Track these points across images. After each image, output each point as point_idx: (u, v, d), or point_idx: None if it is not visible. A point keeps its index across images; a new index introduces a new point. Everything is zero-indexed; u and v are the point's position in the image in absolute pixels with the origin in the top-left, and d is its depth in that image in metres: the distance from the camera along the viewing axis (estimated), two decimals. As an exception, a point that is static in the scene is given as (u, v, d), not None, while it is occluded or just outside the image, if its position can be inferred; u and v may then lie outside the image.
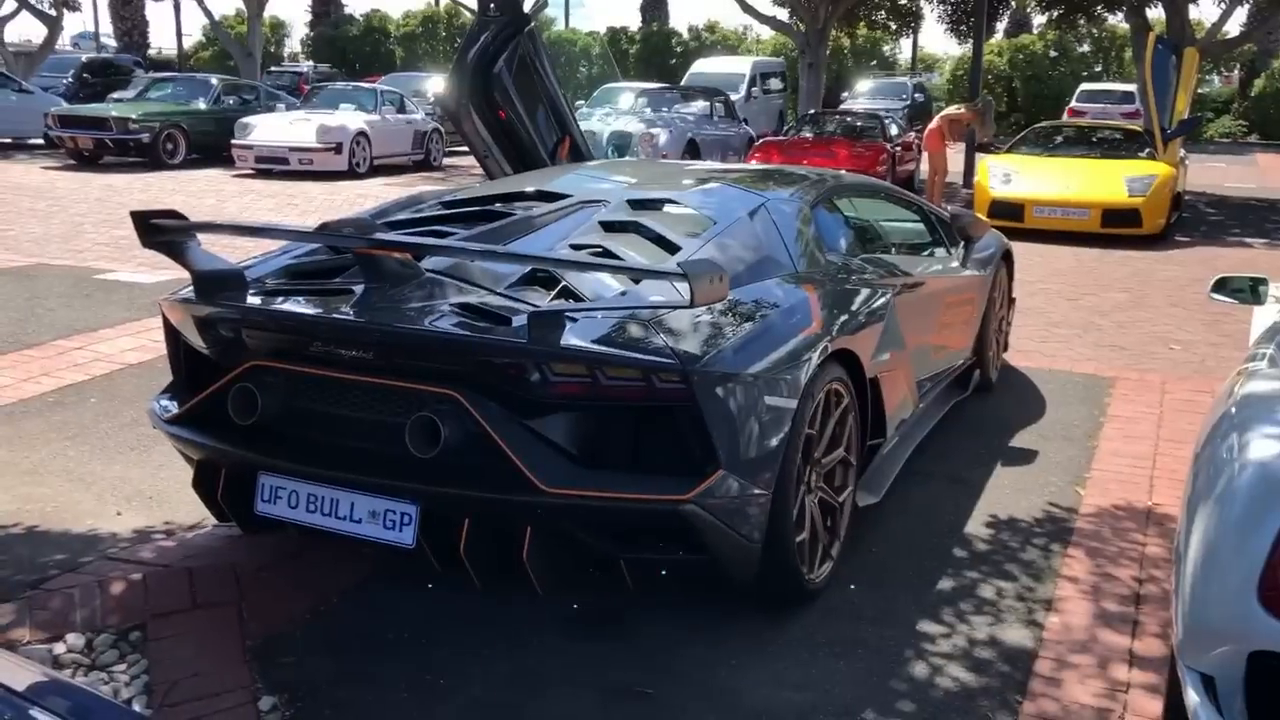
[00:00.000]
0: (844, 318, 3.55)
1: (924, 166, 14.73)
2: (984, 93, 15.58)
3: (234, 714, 2.72)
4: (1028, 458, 4.78)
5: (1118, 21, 27.03)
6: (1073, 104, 28.21)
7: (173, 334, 3.50)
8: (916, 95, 29.03)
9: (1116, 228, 11.59)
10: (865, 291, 3.85)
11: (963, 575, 3.61)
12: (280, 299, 3.21)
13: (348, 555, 3.51)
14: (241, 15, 30.26)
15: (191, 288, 3.25)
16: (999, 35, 37.25)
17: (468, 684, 2.90)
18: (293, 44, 44.83)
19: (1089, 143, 13.94)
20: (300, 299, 3.20)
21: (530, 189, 4.17)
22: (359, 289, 3.15)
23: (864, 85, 30.40)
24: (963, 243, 5.34)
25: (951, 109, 13.97)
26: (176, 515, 3.87)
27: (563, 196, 3.98)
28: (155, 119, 16.72)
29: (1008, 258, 5.99)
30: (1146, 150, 13.13)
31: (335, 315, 3.04)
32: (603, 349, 2.80)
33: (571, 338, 2.80)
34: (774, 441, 3.02)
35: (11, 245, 9.35)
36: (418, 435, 2.84)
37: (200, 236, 3.28)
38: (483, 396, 2.86)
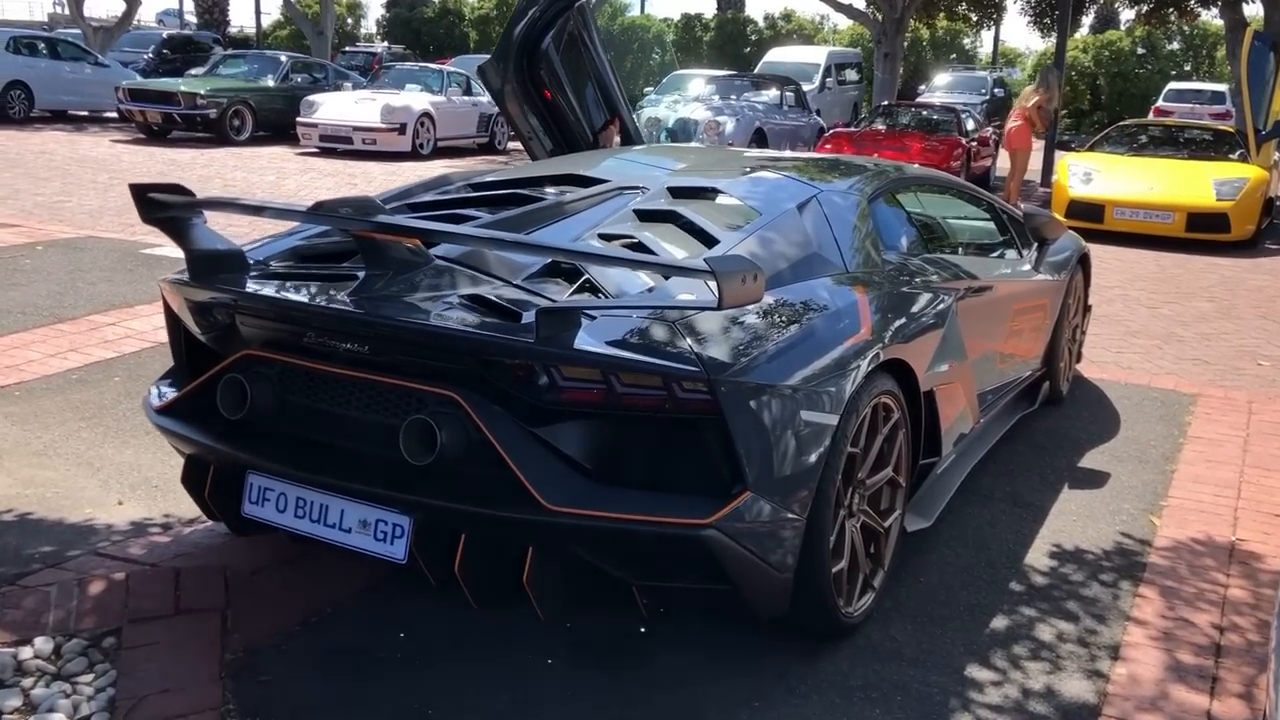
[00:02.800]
0: (898, 323, 3.21)
1: (1000, 164, 14.08)
2: (1047, 66, 14.59)
3: (200, 738, 2.48)
4: (1098, 480, 4.39)
5: (1211, 17, 26.00)
6: (1159, 103, 27.21)
7: (173, 318, 3.27)
8: (996, 90, 28.19)
9: (1202, 233, 11.02)
10: (924, 295, 3.51)
11: (1019, 613, 3.26)
12: (278, 283, 2.95)
13: (348, 562, 3.26)
14: (318, -6, 30.29)
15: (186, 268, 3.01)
16: (1084, 30, 36.10)
17: (462, 715, 2.63)
18: (369, 25, 45.05)
19: (1176, 143, 13.28)
20: (299, 284, 2.94)
21: (567, 172, 3.88)
22: (362, 275, 2.89)
23: (942, 78, 29.61)
24: (1036, 244, 4.95)
25: (1025, 99, 12.91)
26: (178, 508, 3.66)
27: (600, 181, 3.69)
28: (223, 95, 16.74)
29: (1084, 262, 5.58)
30: (1238, 152, 12.50)
31: (329, 303, 2.77)
32: (618, 352, 2.50)
33: (584, 338, 2.51)
34: (811, 460, 2.70)
35: (65, 217, 9.31)
36: (413, 439, 2.57)
37: (229, 216, 3.04)
38: (485, 400, 2.58)
